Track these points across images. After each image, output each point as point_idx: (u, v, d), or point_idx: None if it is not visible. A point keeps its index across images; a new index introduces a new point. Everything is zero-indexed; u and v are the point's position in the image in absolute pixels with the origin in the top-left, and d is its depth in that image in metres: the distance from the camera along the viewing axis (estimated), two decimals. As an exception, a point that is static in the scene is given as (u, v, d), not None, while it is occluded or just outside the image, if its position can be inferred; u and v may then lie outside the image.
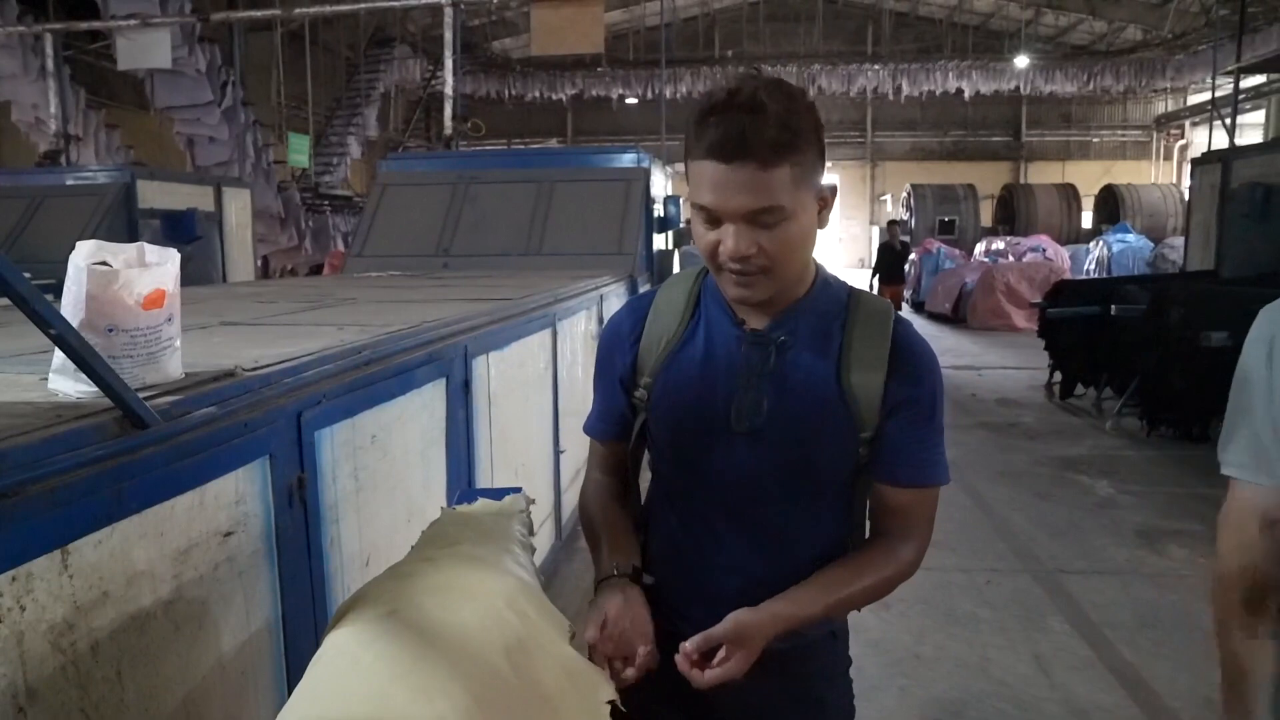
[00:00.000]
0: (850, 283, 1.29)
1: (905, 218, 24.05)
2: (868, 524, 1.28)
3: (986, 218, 24.67)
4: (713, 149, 1.06)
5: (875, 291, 9.58)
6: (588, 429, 1.41)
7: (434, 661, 0.78)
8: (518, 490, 1.39)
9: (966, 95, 23.45)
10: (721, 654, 1.09)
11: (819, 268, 1.24)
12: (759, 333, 1.20)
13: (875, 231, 26.67)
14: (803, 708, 1.29)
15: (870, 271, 12.13)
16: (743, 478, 1.19)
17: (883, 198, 28.08)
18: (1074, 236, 20.34)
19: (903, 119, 27.63)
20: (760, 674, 1.24)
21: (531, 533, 1.32)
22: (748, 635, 1.10)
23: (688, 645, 1.09)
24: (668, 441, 1.26)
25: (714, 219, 1.10)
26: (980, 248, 17.63)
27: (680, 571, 1.25)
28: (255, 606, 1.51)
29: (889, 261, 12.01)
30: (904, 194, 24.37)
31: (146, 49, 9.23)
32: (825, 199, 1.14)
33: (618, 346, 1.31)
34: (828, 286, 1.23)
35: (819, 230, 1.15)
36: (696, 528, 1.23)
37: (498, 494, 1.38)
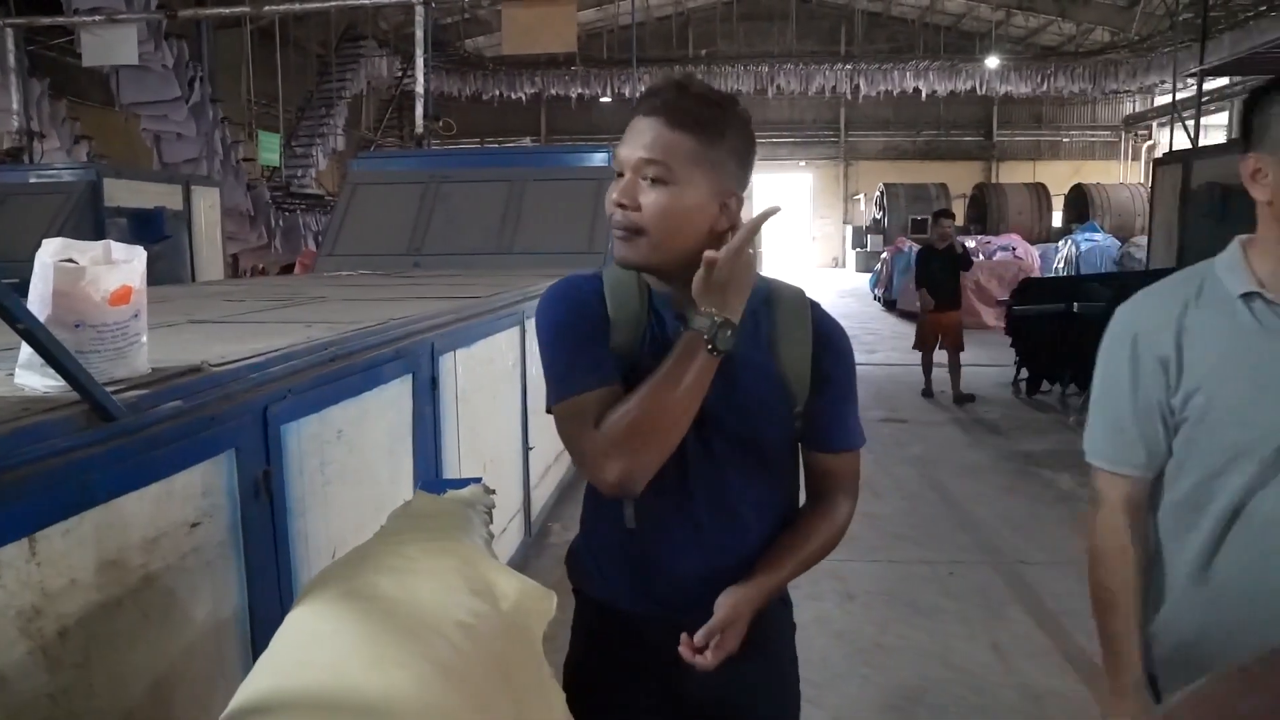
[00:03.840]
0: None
1: (879, 216, 24.22)
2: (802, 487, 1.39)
3: (959, 216, 24.94)
4: (637, 109, 1.19)
5: (920, 320, 8.19)
6: (579, 385, 1.17)
7: (389, 635, 0.83)
8: (478, 480, 1.44)
9: (924, 95, 23.70)
10: (718, 637, 1.20)
11: None
12: None
13: (849, 231, 26.85)
14: (761, 673, 1.35)
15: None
16: (701, 460, 1.25)
17: (856, 197, 28.29)
18: (1044, 235, 20.60)
19: (876, 119, 27.85)
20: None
21: (491, 520, 1.36)
22: (740, 612, 1.22)
23: (697, 639, 1.20)
24: None
25: (620, 172, 1.20)
26: (952, 247, 17.80)
27: (645, 557, 1.29)
28: (223, 596, 1.55)
29: (939, 273, 7.84)
30: (877, 193, 24.59)
31: (112, 45, 9.13)
32: (728, 205, 1.20)
33: (588, 302, 1.25)
34: None
35: (717, 235, 1.19)
36: (659, 512, 1.27)
37: (460, 484, 1.43)
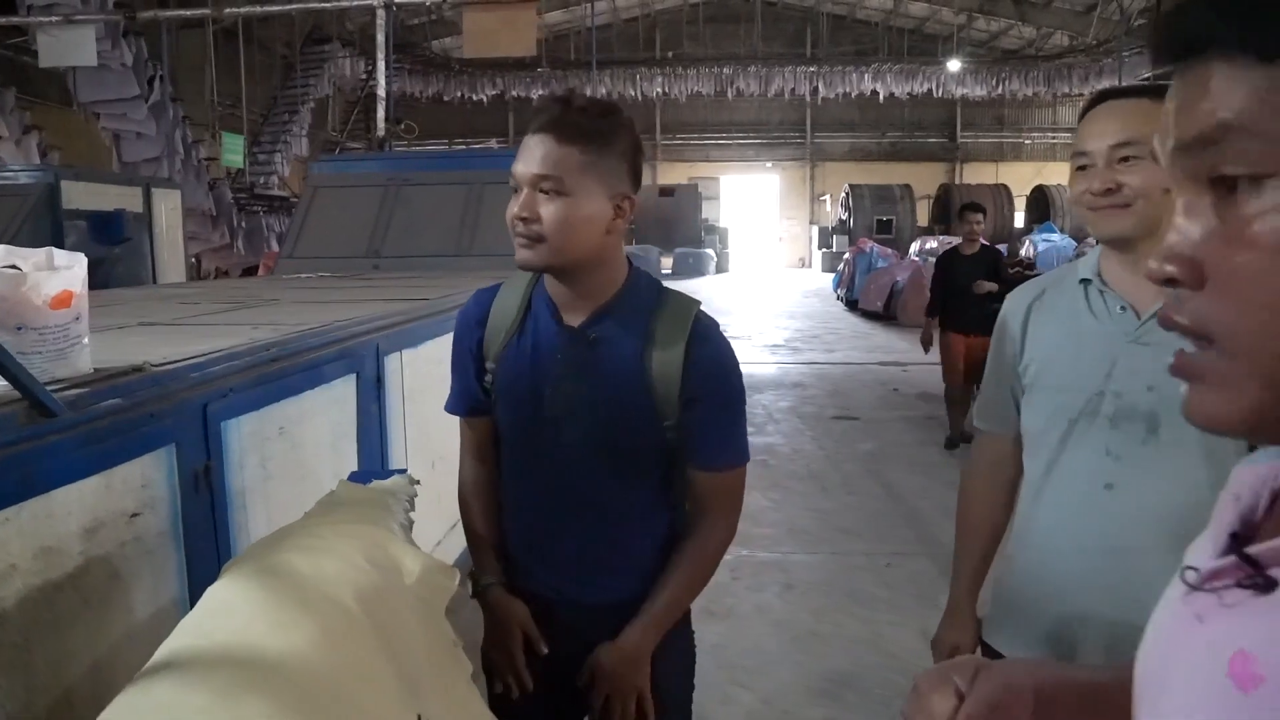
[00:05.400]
0: (666, 284, 1.44)
1: (845, 217, 24.47)
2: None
3: (923, 217, 25.31)
4: (529, 126, 1.28)
5: (936, 339, 6.18)
6: (451, 409, 1.52)
7: (292, 603, 0.93)
8: (403, 472, 1.54)
9: (882, 97, 24.03)
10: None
11: (634, 270, 1.39)
12: (574, 330, 1.35)
13: (815, 231, 27.14)
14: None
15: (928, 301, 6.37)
16: (566, 457, 1.36)
17: (822, 198, 28.61)
18: (1007, 236, 21.00)
19: (842, 120, 28.20)
20: (597, 631, 1.39)
21: (412, 508, 1.47)
22: (612, 673, 1.34)
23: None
24: (506, 425, 1.43)
25: (517, 187, 1.29)
26: (915, 247, 18.11)
27: (526, 538, 1.42)
28: (163, 584, 1.63)
29: (960, 284, 5.79)
30: (842, 194, 24.89)
31: (70, 46, 9.05)
32: (622, 207, 1.30)
33: (468, 331, 1.46)
34: (638, 289, 1.37)
35: (614, 234, 1.31)
36: (535, 500, 1.39)
37: (387, 475, 1.53)
